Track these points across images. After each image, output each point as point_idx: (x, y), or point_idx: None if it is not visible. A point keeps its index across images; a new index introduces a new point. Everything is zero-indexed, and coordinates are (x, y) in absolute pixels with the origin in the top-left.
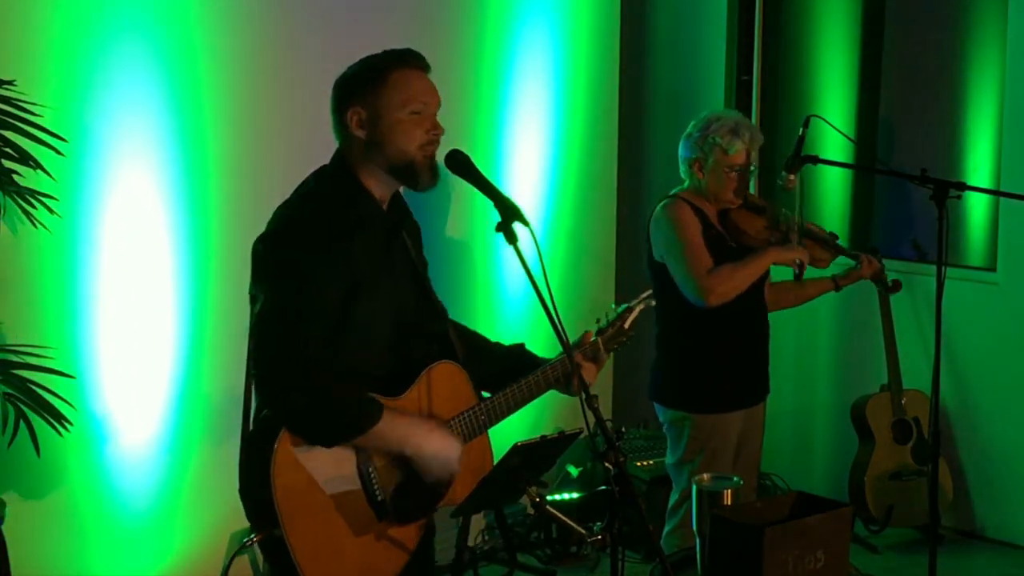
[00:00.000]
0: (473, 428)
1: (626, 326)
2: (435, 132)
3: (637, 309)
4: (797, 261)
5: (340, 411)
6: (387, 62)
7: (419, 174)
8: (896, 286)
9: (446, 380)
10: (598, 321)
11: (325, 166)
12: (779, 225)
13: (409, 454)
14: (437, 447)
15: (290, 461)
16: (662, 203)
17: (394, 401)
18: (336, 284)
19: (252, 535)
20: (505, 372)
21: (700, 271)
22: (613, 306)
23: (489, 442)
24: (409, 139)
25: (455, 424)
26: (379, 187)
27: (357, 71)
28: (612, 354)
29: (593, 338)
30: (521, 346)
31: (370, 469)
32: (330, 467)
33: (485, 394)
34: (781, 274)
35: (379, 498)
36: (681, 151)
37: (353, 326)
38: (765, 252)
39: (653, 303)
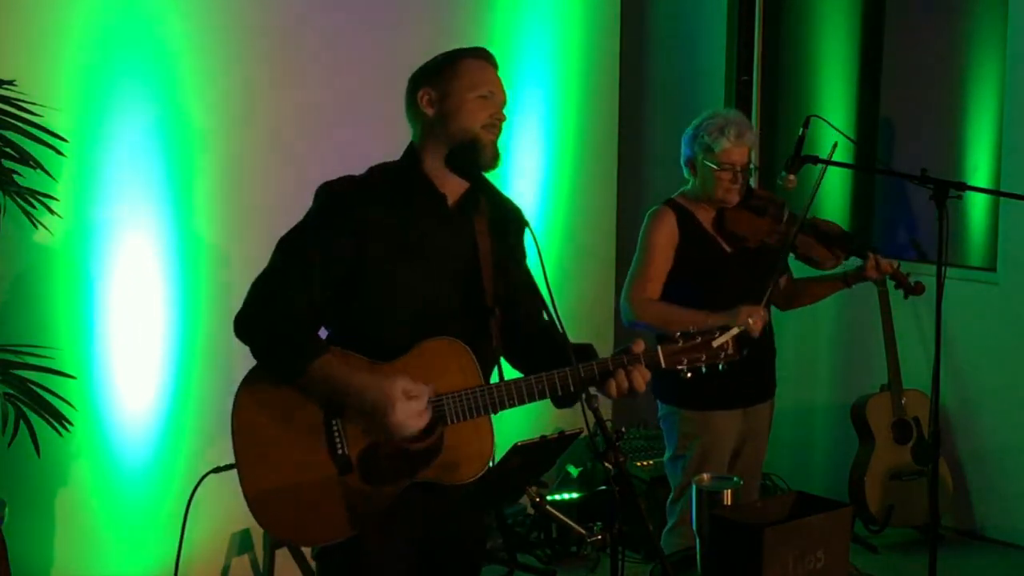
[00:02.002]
0: (470, 407)
1: (714, 344)
2: (499, 116)
3: (734, 330)
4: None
5: (282, 339)
6: (460, 53)
7: (481, 151)
8: (919, 288)
9: (447, 356)
10: (677, 335)
11: (401, 157)
12: (782, 223)
13: (349, 401)
14: (374, 390)
15: (257, 390)
16: (652, 207)
17: (378, 365)
18: (343, 246)
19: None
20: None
21: (637, 290)
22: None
23: (491, 426)
24: (474, 119)
25: (449, 400)
26: (442, 172)
27: (431, 61)
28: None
29: (644, 347)
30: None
31: (336, 421)
32: (295, 408)
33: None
34: (800, 271)
35: (339, 451)
36: (682, 151)
37: (372, 293)
38: (708, 316)
39: (751, 324)
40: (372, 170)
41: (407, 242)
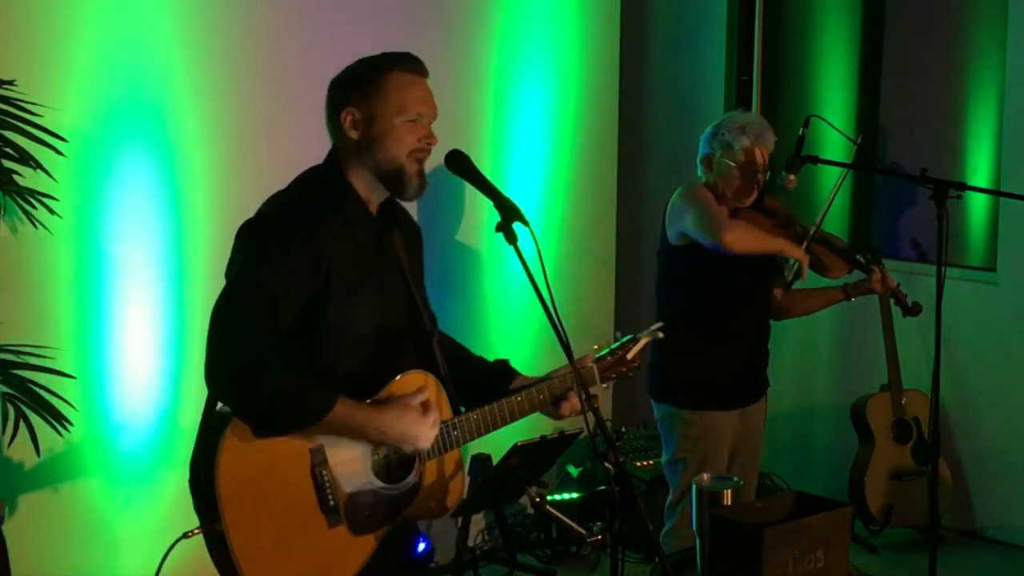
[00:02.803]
0: (446, 442)
1: (629, 356)
2: (428, 141)
3: (643, 341)
4: (794, 264)
5: (289, 399)
6: (386, 65)
7: (407, 183)
8: (916, 309)
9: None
10: (596, 348)
11: (318, 164)
12: (792, 230)
13: (374, 439)
14: (399, 425)
15: (238, 453)
16: (680, 187)
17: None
18: (305, 279)
19: (195, 527)
20: (485, 389)
21: (720, 214)
22: (618, 334)
23: (461, 458)
24: (401, 145)
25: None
26: (367, 190)
27: (355, 71)
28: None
29: (590, 363)
30: (505, 363)
31: (324, 472)
32: (281, 465)
33: (462, 409)
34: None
35: (331, 503)
36: (699, 149)
37: (330, 325)
38: (777, 238)
39: (661, 335)
40: (303, 190)
41: (355, 268)
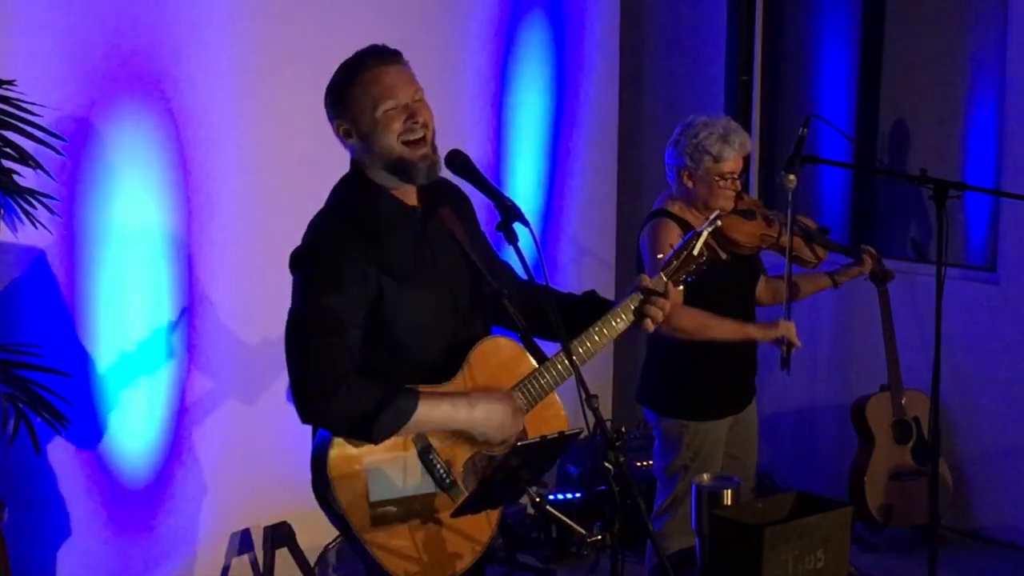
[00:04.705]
0: (536, 392)
1: (695, 252)
2: (412, 121)
3: (705, 233)
4: (784, 344)
5: (374, 413)
6: (352, 69)
7: (411, 168)
8: (888, 276)
9: (496, 354)
10: (660, 257)
11: (347, 174)
12: (774, 226)
13: (461, 429)
14: (484, 411)
15: (346, 464)
16: (649, 222)
17: (442, 387)
18: (359, 291)
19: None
20: (576, 325)
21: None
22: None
23: (559, 403)
24: (390, 134)
25: (517, 393)
26: (394, 184)
27: (332, 82)
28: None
29: (647, 283)
30: (593, 293)
31: (431, 456)
32: (389, 463)
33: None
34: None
35: (447, 480)
36: (668, 159)
37: (396, 324)
38: (744, 327)
39: (720, 223)
40: (337, 204)
41: (402, 263)
